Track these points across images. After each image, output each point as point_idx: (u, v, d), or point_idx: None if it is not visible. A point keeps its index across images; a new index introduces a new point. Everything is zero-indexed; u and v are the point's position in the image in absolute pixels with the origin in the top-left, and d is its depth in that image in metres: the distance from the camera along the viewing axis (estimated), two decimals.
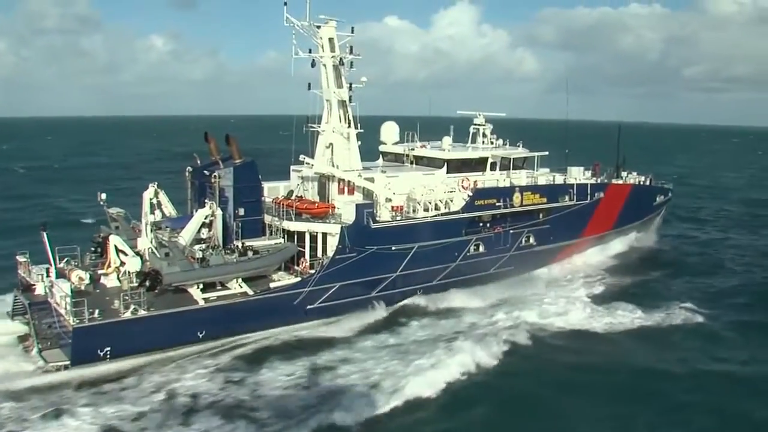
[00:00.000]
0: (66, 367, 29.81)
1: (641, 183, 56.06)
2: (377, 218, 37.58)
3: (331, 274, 35.64)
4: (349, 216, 37.09)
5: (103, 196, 36.69)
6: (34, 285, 33.49)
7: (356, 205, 36.79)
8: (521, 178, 46.13)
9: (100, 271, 35.12)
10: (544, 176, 48.37)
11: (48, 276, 33.26)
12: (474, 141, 47.55)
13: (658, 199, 57.90)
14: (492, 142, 47.40)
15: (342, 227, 36.01)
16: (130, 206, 39.87)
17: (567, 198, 46.94)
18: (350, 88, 39.84)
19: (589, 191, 48.36)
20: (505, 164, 45.82)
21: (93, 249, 37.16)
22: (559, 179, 48.91)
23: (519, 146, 47.77)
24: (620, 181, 53.84)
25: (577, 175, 51.11)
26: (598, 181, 51.49)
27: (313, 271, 35.55)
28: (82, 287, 32.83)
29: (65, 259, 35.35)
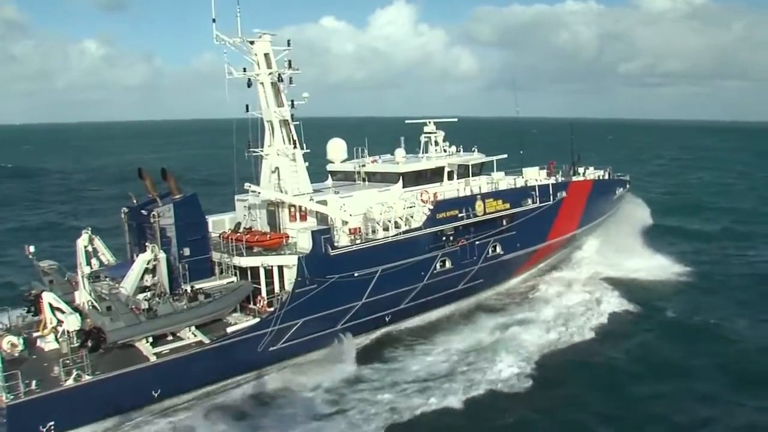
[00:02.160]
0: None
1: (600, 177, 54.53)
2: (335, 244, 34.73)
3: (293, 310, 32.63)
4: (304, 244, 34.18)
5: (32, 248, 33.11)
6: None
7: (311, 231, 33.91)
8: (481, 184, 43.90)
9: (35, 334, 31.49)
10: (504, 180, 46.20)
11: None
12: (426, 150, 45.14)
13: (617, 192, 56.52)
14: (445, 150, 45.10)
15: (299, 258, 33.06)
16: (61, 254, 36.20)
17: (530, 201, 44.92)
18: (292, 105, 36.95)
19: (551, 191, 46.43)
20: (463, 172, 43.57)
21: (26, 309, 33.49)
22: (519, 182, 46.89)
23: (474, 151, 45.61)
24: (580, 178, 52.15)
25: (533, 175, 49.26)
26: (558, 180, 49.61)
27: (272, 309, 32.53)
28: (16, 354, 29.38)
29: None
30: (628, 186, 59.12)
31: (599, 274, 48.58)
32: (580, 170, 54.24)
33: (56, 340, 30.58)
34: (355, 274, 34.82)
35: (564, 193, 47.69)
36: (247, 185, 35.72)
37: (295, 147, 37.01)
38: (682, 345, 37.10)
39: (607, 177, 55.55)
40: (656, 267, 50.18)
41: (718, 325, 39.80)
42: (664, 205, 79.18)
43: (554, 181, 48.33)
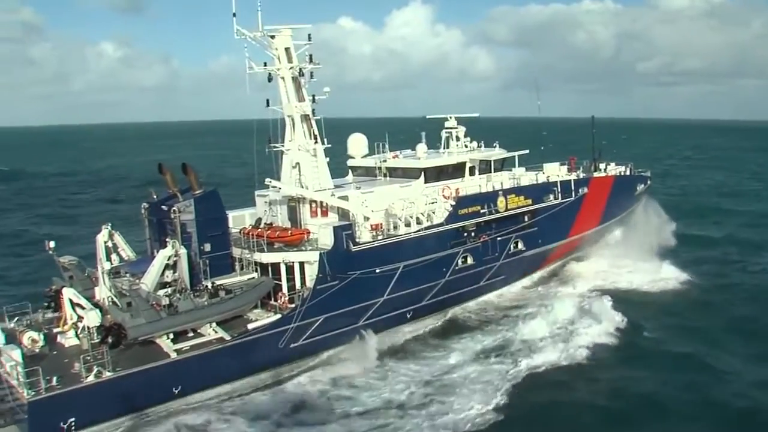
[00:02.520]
0: None
1: (622, 173, 53.79)
2: (357, 240, 34.30)
3: (315, 306, 32.26)
4: (326, 240, 33.76)
5: (51, 244, 32.86)
6: None
7: (333, 227, 33.49)
8: (503, 180, 43.34)
9: (55, 330, 31.27)
10: (525, 176, 45.60)
11: None
12: (447, 146, 44.60)
13: (638, 188, 55.74)
14: (466, 146, 44.53)
15: (321, 254, 32.65)
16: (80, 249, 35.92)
17: (551, 197, 44.33)
18: (313, 100, 36.54)
19: (573, 187, 45.81)
20: (484, 167, 43.02)
21: (45, 305, 33.33)
22: (540, 178, 46.25)
23: (495, 147, 45.00)
24: (601, 174, 51.45)
25: (554, 171, 48.62)
26: (579, 176, 48.94)
27: (293, 306, 32.15)
28: (36, 350, 29.12)
29: (15, 318, 31.49)
30: (649, 182, 58.27)
31: (600, 286, 44.63)
32: (602, 166, 53.50)
33: (76, 336, 30.34)
34: (377, 271, 34.39)
35: (585, 189, 47.07)
36: (267, 181, 35.32)
37: (316, 142, 36.57)
38: (668, 378, 32.37)
39: (628, 173, 54.74)
40: (660, 279, 45.71)
41: (708, 355, 34.74)
42: (673, 208, 76.64)
43: (576, 177, 47.63)
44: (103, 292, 31.80)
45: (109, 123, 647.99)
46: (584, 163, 53.52)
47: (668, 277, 45.97)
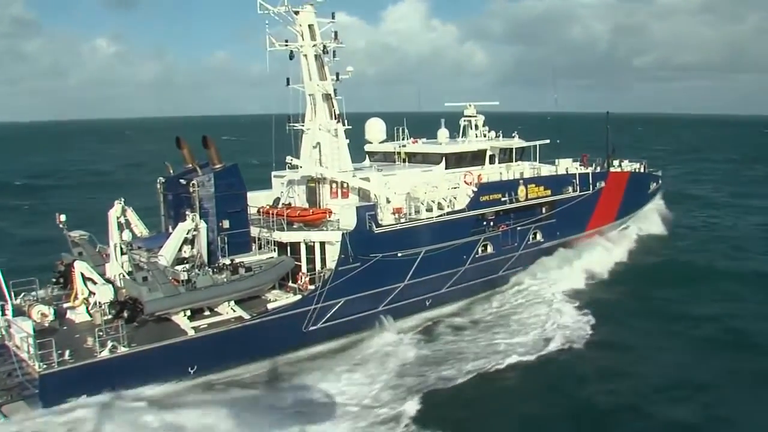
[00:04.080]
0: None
1: (636, 170, 53.07)
2: (380, 222, 33.25)
3: (335, 288, 31.19)
4: (348, 221, 32.71)
5: (62, 217, 31.67)
6: None
7: (357, 207, 32.47)
8: (524, 169, 42.48)
9: (65, 305, 30.04)
10: (545, 167, 44.76)
11: (3, 314, 27.98)
12: (465, 134, 43.66)
13: (651, 186, 55.07)
14: (485, 135, 43.59)
15: (343, 234, 31.58)
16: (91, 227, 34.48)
17: (570, 189, 43.48)
18: (337, 78, 35.53)
19: (591, 181, 44.99)
20: (505, 156, 42.13)
21: (54, 280, 32.05)
22: (560, 170, 45.40)
23: (515, 136, 44.08)
24: (618, 170, 50.72)
25: (567, 167, 47.71)
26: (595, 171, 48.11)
27: (313, 287, 31.03)
28: (46, 324, 27.80)
29: (22, 294, 30.13)
30: (660, 181, 57.64)
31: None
32: (615, 162, 52.69)
33: (87, 311, 29.15)
34: (399, 254, 33.41)
35: (603, 183, 46.28)
36: (288, 158, 34.27)
37: (338, 122, 35.52)
38: None
39: (642, 170, 54.04)
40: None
41: None
42: None
43: (595, 171, 46.88)
44: (114, 268, 30.53)
45: (102, 119, 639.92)
46: (597, 160, 52.67)
47: None
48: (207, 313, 29.35)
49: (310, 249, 32.63)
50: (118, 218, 31.43)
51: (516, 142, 42.98)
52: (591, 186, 45.03)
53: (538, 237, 41.58)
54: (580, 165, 49.59)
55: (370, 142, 42.04)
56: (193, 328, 27.96)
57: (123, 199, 31.95)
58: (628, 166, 52.82)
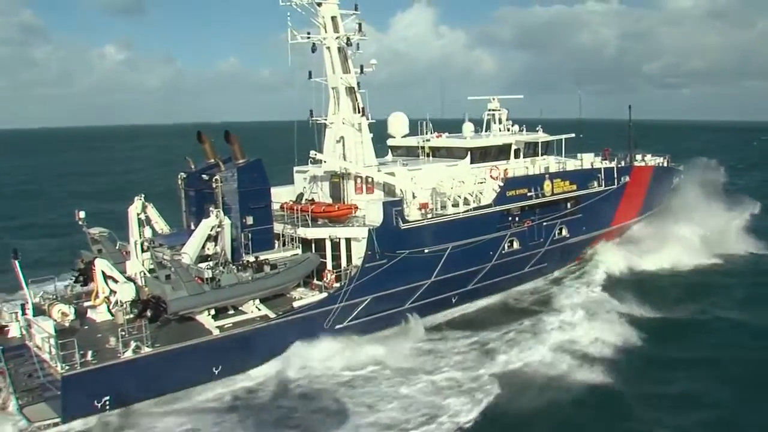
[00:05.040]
0: (56, 425, 23.98)
1: (660, 164, 52.04)
2: (406, 217, 32.43)
3: (362, 285, 30.40)
4: (373, 217, 31.88)
5: (82, 214, 31.05)
6: (6, 326, 27.45)
7: (383, 203, 31.63)
8: (549, 164, 41.59)
9: (86, 304, 29.39)
10: (570, 162, 43.84)
11: (24, 314, 27.30)
12: (489, 128, 42.75)
13: (674, 181, 54.04)
14: (508, 129, 42.67)
15: (369, 230, 30.78)
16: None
17: (596, 184, 42.55)
18: (361, 71, 34.71)
19: (616, 175, 44.05)
20: (530, 151, 41.24)
21: (74, 278, 31.34)
22: (584, 165, 44.49)
23: (539, 130, 43.10)
24: (642, 164, 49.73)
25: (590, 162, 46.75)
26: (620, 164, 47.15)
27: (339, 284, 30.24)
28: (66, 324, 27.17)
29: (41, 293, 29.47)
30: (682, 176, 56.58)
31: None
32: (638, 157, 51.67)
33: (109, 310, 28.49)
34: (426, 251, 32.59)
35: (627, 178, 45.33)
36: (312, 153, 33.51)
37: (362, 115, 34.69)
38: None
39: (666, 164, 53.01)
40: None
41: None
42: None
43: (619, 165, 45.95)
44: (135, 266, 29.95)
45: (111, 125, 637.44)
46: (618, 155, 51.64)
47: None
48: (231, 312, 28.64)
49: (335, 246, 31.86)
50: (138, 215, 30.79)
51: (541, 136, 42.03)
52: (616, 180, 44.06)
53: (564, 232, 40.67)
54: (603, 159, 48.68)
55: (393, 137, 41.17)
56: (218, 327, 27.23)
57: (143, 195, 31.27)
58: (651, 160, 51.76)
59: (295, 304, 29.07)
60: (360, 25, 34.47)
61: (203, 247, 29.16)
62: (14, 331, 27.34)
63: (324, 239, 31.84)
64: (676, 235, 46.53)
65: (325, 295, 29.83)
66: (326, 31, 34.10)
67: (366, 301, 30.66)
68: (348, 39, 34.18)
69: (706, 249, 45.83)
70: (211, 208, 29.20)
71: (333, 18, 34.16)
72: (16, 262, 27.19)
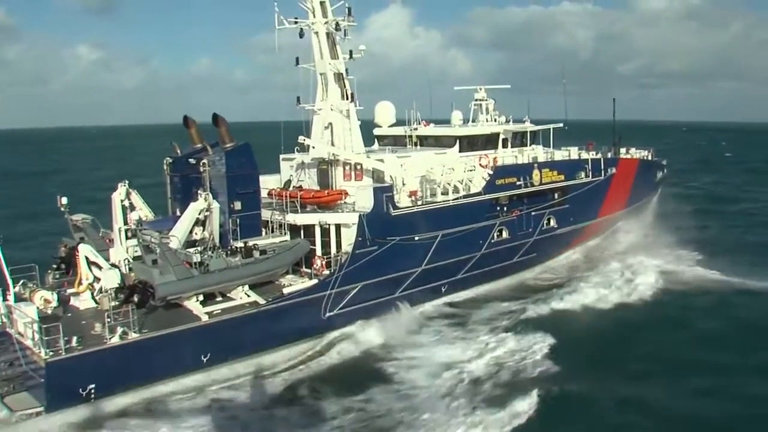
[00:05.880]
0: (38, 414, 23.17)
1: (644, 158, 52.12)
2: (397, 204, 32.00)
3: (352, 272, 29.91)
4: (363, 203, 31.42)
5: (64, 200, 30.03)
6: None
7: (374, 188, 31.21)
8: (538, 153, 41.40)
9: (68, 291, 28.52)
10: (558, 153, 43.69)
11: (5, 300, 26.39)
12: (475, 118, 42.46)
13: (658, 175, 54.20)
14: (495, 119, 42.40)
15: (360, 216, 30.29)
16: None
17: (582, 174, 42.44)
18: (351, 56, 34.20)
19: (603, 166, 44.00)
20: (518, 140, 41.00)
21: (56, 266, 30.38)
22: (573, 155, 44.38)
23: (526, 121, 42.91)
24: (627, 156, 49.78)
25: (577, 154, 46.63)
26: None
27: (330, 271, 29.70)
28: (49, 311, 26.18)
29: (20, 282, 28.42)
30: (665, 171, 56.80)
31: None
32: (622, 150, 51.68)
33: (93, 298, 27.62)
34: (416, 238, 32.19)
35: (614, 170, 45.31)
36: (301, 138, 32.98)
37: (351, 101, 34.21)
38: None
39: (650, 158, 53.11)
40: None
41: None
42: None
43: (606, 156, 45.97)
44: (119, 253, 29.11)
45: (85, 126, 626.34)
46: (602, 149, 51.61)
47: None
48: (219, 299, 27.97)
49: (324, 232, 31.33)
50: (122, 201, 29.96)
51: (529, 126, 41.87)
52: (603, 172, 44.01)
53: (552, 223, 40.48)
54: (586, 153, 48.60)
55: (379, 126, 40.73)
56: (207, 313, 26.55)
57: (127, 182, 30.43)
58: (635, 153, 51.81)
59: (285, 291, 28.43)
60: (349, 9, 33.97)
61: (191, 232, 28.42)
62: None
63: (313, 225, 31.30)
64: None
65: (315, 281, 29.27)
66: (315, 16, 33.55)
67: (356, 289, 30.19)
68: (337, 24, 33.65)
69: None
70: (199, 191, 28.49)
71: (321, 2, 33.59)
72: None
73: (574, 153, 46.26)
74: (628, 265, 40.37)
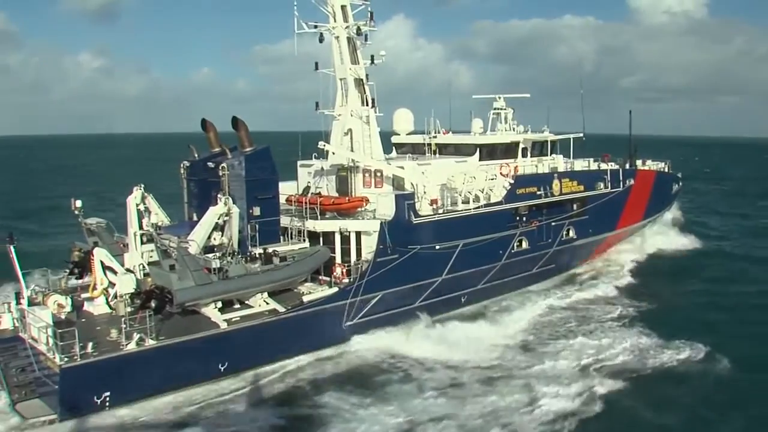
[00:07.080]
0: (51, 422, 22.45)
1: (661, 171, 51.52)
2: (418, 212, 31.33)
3: (373, 281, 29.19)
4: (385, 210, 30.74)
5: (78, 203, 29.51)
6: None
7: (396, 195, 30.52)
8: (558, 163, 40.77)
9: (82, 296, 27.85)
10: (578, 162, 43.05)
11: (18, 304, 25.72)
12: (494, 127, 41.84)
13: (674, 188, 53.55)
14: (513, 128, 41.76)
15: (381, 223, 29.60)
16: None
17: (602, 185, 41.77)
18: (372, 61, 33.65)
19: (621, 177, 43.37)
20: (537, 150, 40.38)
21: (69, 270, 29.70)
22: (593, 165, 43.78)
23: (545, 130, 42.28)
24: (645, 168, 49.17)
25: (592, 166, 45.98)
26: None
27: (348, 280, 29.00)
28: (62, 316, 25.52)
29: (32, 286, 27.76)
30: (681, 183, 56.16)
31: None
32: (638, 162, 51.05)
33: (107, 303, 26.96)
34: (437, 247, 31.49)
35: (632, 181, 44.70)
36: (321, 144, 32.29)
37: (372, 107, 33.61)
38: None
39: (667, 170, 52.51)
40: None
41: None
42: None
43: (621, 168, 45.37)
44: (134, 258, 28.40)
45: (88, 134, 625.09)
46: (618, 160, 50.98)
47: None
48: (237, 306, 27.26)
49: (344, 239, 30.66)
50: (137, 205, 29.27)
51: (549, 136, 41.27)
52: (621, 183, 43.37)
53: (571, 234, 39.82)
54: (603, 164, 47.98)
55: (398, 134, 40.09)
56: (225, 320, 25.82)
57: (143, 186, 29.76)
58: (652, 165, 51.22)
59: (305, 299, 27.70)
60: (371, 13, 33.41)
61: (209, 237, 27.72)
62: (6, 322, 26.06)
63: (333, 232, 30.63)
64: None
65: (336, 289, 28.56)
66: (335, 21, 33.02)
67: (377, 298, 29.51)
68: (358, 28, 33.10)
69: None
70: (219, 195, 27.79)
71: (342, 7, 33.08)
72: (12, 247, 25.60)
73: (592, 164, 45.76)
74: None
